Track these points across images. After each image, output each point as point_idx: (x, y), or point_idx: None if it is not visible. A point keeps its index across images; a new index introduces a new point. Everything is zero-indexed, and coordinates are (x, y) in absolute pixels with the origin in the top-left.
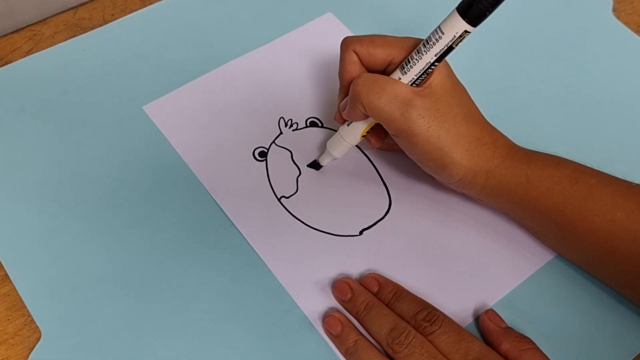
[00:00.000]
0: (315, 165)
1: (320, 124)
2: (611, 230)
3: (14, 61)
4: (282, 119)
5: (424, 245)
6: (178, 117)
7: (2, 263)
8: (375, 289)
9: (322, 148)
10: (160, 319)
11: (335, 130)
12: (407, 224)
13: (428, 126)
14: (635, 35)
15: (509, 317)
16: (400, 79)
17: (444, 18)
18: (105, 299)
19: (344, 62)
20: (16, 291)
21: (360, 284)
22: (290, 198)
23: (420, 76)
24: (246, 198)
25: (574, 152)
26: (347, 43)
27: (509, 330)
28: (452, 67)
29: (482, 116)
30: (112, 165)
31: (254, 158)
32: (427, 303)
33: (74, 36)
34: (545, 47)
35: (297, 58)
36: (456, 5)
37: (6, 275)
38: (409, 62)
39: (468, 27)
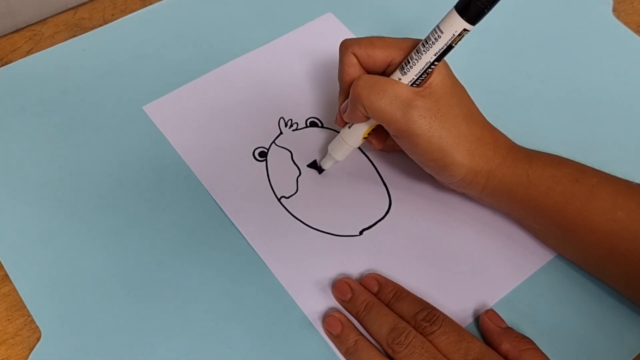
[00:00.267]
0: (316, 167)
1: (320, 124)
2: (612, 230)
3: (14, 61)
4: (282, 119)
5: (424, 245)
6: (178, 117)
7: (2, 263)
8: (375, 289)
9: (323, 148)
10: (160, 319)
11: (336, 130)
12: (407, 224)
13: (429, 126)
14: (635, 35)
15: (509, 317)
16: (400, 79)
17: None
18: (105, 299)
19: (343, 65)
20: (16, 291)
21: (360, 284)
22: (290, 198)
23: (420, 76)
24: (246, 198)
25: (574, 152)
26: (345, 45)
27: (509, 330)
28: (452, 67)
29: (482, 116)
30: (112, 165)
31: (254, 158)
32: (427, 303)
33: (74, 36)
34: (545, 47)
35: (297, 58)
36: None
37: (6, 275)
38: (409, 63)
39: (467, 26)
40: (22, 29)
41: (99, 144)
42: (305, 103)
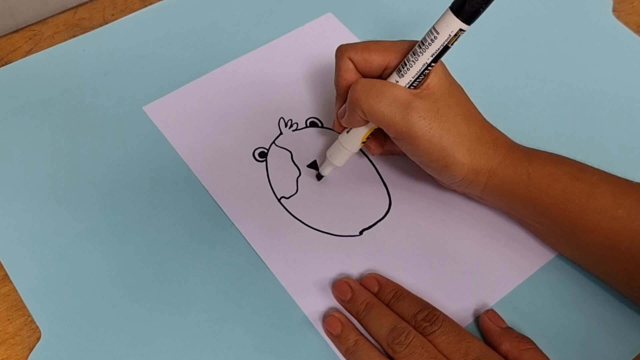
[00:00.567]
0: (316, 167)
1: (320, 124)
2: (612, 228)
3: (14, 61)
4: (282, 119)
5: (424, 245)
6: (178, 118)
7: (2, 263)
8: (376, 289)
9: (323, 148)
10: (160, 319)
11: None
12: (407, 224)
13: (429, 127)
14: (635, 35)
15: (509, 317)
16: (397, 82)
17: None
18: (105, 299)
19: (340, 70)
20: (16, 291)
21: (361, 284)
22: (290, 198)
23: (417, 78)
24: (246, 198)
25: (574, 152)
26: (341, 51)
27: (509, 330)
28: (452, 67)
29: (481, 115)
30: (112, 166)
31: (254, 158)
32: (427, 303)
33: (74, 36)
34: (545, 47)
35: (297, 58)
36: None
37: (6, 275)
38: (406, 65)
39: (463, 26)
40: (22, 29)
41: (99, 144)
42: (305, 103)
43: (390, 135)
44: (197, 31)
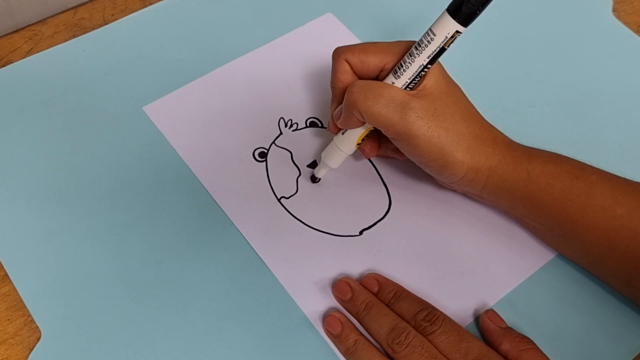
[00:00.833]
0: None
1: (320, 124)
2: (611, 227)
3: (14, 61)
4: (282, 120)
5: (424, 245)
6: (178, 118)
7: (2, 263)
8: (376, 289)
9: (323, 149)
10: (160, 319)
11: None
12: (407, 224)
13: (427, 127)
14: (635, 35)
15: (509, 317)
16: (393, 83)
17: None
18: (105, 299)
19: (336, 72)
20: (16, 291)
21: (361, 284)
22: (290, 198)
23: (414, 79)
24: (246, 198)
25: (574, 151)
26: (338, 53)
27: (509, 330)
28: (452, 67)
29: (480, 114)
30: (112, 166)
31: (254, 158)
32: (427, 303)
33: (74, 36)
34: (545, 47)
35: (297, 58)
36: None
37: (6, 275)
38: (402, 66)
39: (459, 27)
40: (22, 29)
41: (99, 144)
42: (305, 103)
43: (388, 136)
44: (197, 31)
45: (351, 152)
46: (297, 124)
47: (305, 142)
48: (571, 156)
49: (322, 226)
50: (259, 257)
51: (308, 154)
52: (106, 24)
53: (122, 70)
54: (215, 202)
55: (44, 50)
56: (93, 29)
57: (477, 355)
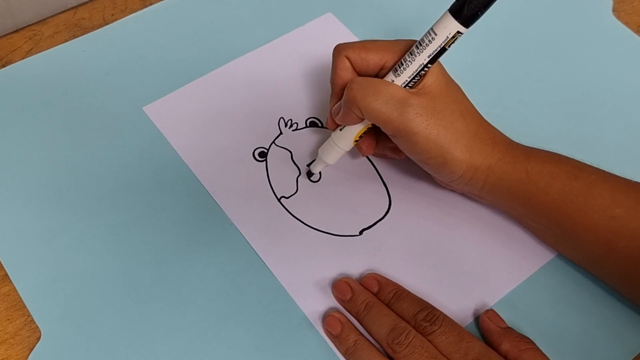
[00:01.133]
0: (308, 170)
1: (320, 124)
2: (610, 228)
3: (14, 61)
4: (282, 119)
5: (424, 245)
6: (178, 118)
7: (2, 263)
8: (376, 289)
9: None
10: (160, 319)
11: None
12: (407, 224)
13: (426, 124)
14: (635, 35)
15: (509, 317)
16: (393, 81)
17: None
18: (105, 299)
19: (336, 68)
20: (16, 291)
21: (361, 284)
22: (290, 198)
23: (414, 78)
24: (246, 198)
25: (574, 152)
26: (339, 50)
27: (509, 330)
28: (452, 66)
29: (479, 113)
30: (112, 166)
31: (254, 158)
32: (427, 303)
33: (74, 36)
34: (545, 47)
35: (297, 58)
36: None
37: (6, 275)
38: (402, 65)
39: (460, 28)
40: (22, 29)
41: (99, 144)
42: (305, 103)
43: (387, 133)
44: (197, 31)
45: (348, 149)
46: (297, 123)
47: (305, 142)
48: (571, 156)
49: (322, 226)
50: (259, 257)
51: (308, 153)
52: (106, 24)
53: (122, 71)
54: (215, 202)
55: (44, 50)
56: (93, 29)
57: (477, 355)
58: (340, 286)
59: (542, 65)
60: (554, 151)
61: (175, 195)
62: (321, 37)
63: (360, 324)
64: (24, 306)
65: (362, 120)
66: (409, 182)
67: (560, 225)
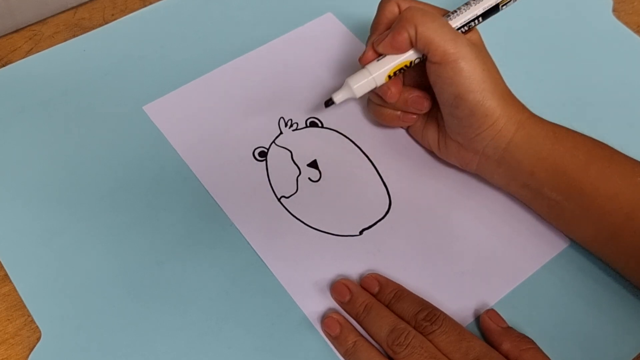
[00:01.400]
0: (316, 167)
1: (320, 124)
2: (632, 196)
3: (14, 61)
4: (282, 119)
5: (424, 245)
6: (178, 117)
7: (2, 263)
8: (376, 289)
9: (323, 148)
10: (160, 319)
11: (335, 130)
12: (407, 224)
13: (476, 55)
14: (635, 35)
15: (510, 317)
16: None
17: None
18: (105, 299)
19: (384, 11)
20: (16, 291)
21: (361, 284)
22: (290, 198)
23: (463, 26)
24: (246, 198)
25: None
26: None
27: (509, 330)
28: None
29: None
30: (112, 166)
31: (254, 158)
32: (427, 303)
33: (74, 36)
34: (545, 47)
35: (297, 58)
36: None
37: (6, 275)
38: (456, 12)
39: None
40: (22, 29)
41: (99, 144)
42: (305, 103)
43: (434, 60)
44: (197, 31)
45: (379, 83)
46: (297, 123)
47: (306, 142)
48: None
49: (322, 226)
50: (259, 257)
51: (308, 153)
52: (106, 23)
53: (122, 70)
54: (215, 202)
55: (44, 50)
56: (93, 28)
57: (478, 354)
58: (338, 288)
59: (542, 66)
60: None
61: (175, 195)
62: (321, 37)
63: (360, 325)
64: (24, 306)
65: (410, 47)
66: (409, 183)
67: (581, 193)
